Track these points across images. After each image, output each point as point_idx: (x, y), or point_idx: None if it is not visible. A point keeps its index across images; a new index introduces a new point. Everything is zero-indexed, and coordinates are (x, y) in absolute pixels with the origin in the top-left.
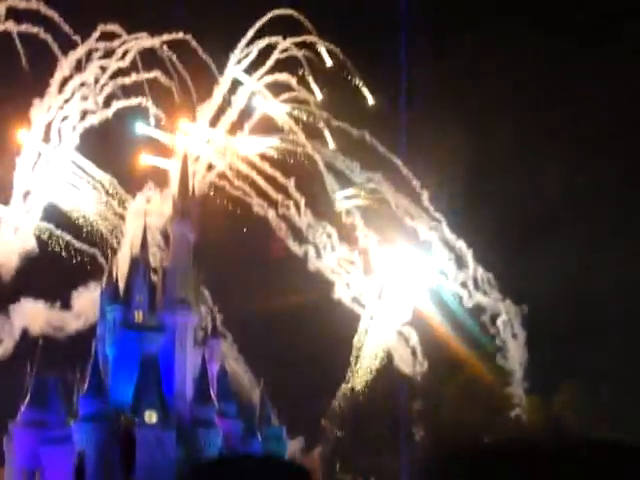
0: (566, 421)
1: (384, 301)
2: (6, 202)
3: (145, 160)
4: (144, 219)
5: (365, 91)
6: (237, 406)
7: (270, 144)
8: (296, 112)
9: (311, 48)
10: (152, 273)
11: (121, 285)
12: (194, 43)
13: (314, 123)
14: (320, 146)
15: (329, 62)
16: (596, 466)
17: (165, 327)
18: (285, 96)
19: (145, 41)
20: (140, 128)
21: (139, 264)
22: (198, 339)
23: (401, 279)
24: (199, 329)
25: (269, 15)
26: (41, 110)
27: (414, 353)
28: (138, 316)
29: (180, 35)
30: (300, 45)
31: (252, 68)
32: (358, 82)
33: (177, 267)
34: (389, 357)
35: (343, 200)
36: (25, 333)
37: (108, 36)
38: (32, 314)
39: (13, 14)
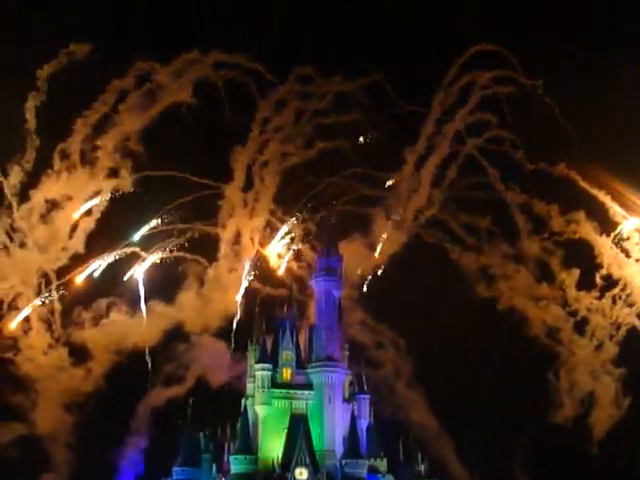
0: None
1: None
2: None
3: None
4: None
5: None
6: (388, 461)
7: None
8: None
9: (515, 85)
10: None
11: (269, 343)
12: (388, 86)
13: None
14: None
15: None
16: None
17: (313, 384)
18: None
19: (341, 85)
20: None
21: (286, 322)
22: (346, 395)
23: None
24: (347, 385)
25: (471, 50)
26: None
27: None
28: (286, 374)
29: (374, 77)
30: (503, 82)
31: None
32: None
33: (324, 324)
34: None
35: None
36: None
37: (302, 79)
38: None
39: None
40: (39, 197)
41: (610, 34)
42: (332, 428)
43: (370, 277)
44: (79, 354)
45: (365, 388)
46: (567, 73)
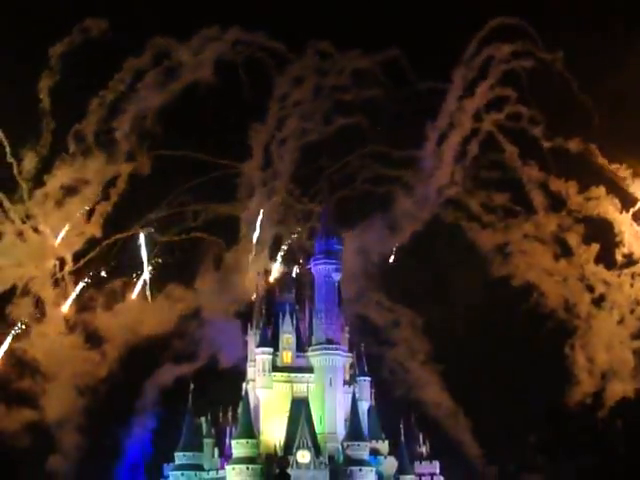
0: None
1: None
2: None
3: None
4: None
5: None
6: (389, 443)
7: None
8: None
9: (535, 59)
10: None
11: (269, 327)
12: (406, 62)
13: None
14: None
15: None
16: None
17: (314, 367)
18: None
19: (358, 60)
20: None
21: (286, 306)
22: (347, 378)
23: None
24: (348, 368)
25: (491, 24)
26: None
27: None
28: (287, 357)
29: (392, 53)
30: (523, 56)
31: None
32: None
33: (323, 307)
34: None
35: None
36: None
37: (320, 54)
38: None
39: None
40: (54, 182)
41: (630, 6)
42: (333, 411)
43: (392, 256)
44: (93, 338)
45: (366, 370)
46: (587, 46)
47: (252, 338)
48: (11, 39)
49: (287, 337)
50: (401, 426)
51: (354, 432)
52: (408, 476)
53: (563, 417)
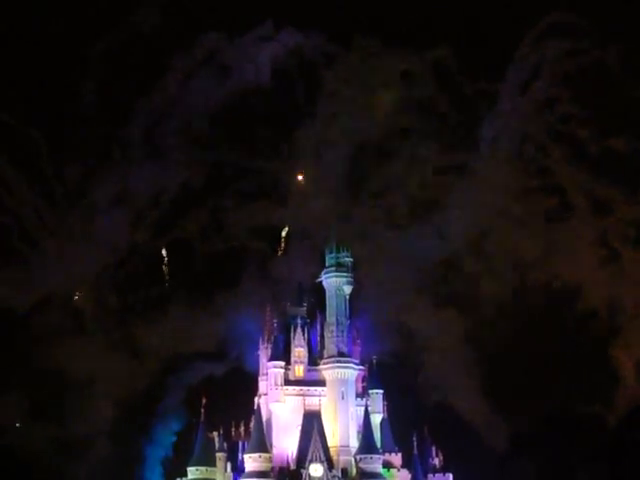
0: None
1: None
2: None
3: None
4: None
5: None
6: (403, 456)
7: None
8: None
9: (590, 58)
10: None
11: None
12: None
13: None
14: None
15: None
16: None
17: (326, 381)
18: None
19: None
20: None
21: (297, 319)
22: (359, 391)
23: None
24: (360, 381)
25: (546, 21)
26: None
27: None
28: (299, 371)
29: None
30: (577, 54)
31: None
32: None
33: (334, 320)
34: None
35: None
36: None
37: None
38: None
39: None
40: (100, 190)
41: None
42: (346, 424)
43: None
44: (134, 350)
45: (378, 382)
46: None
47: (264, 352)
48: (50, 34)
49: (299, 350)
50: (414, 438)
51: (367, 445)
52: None
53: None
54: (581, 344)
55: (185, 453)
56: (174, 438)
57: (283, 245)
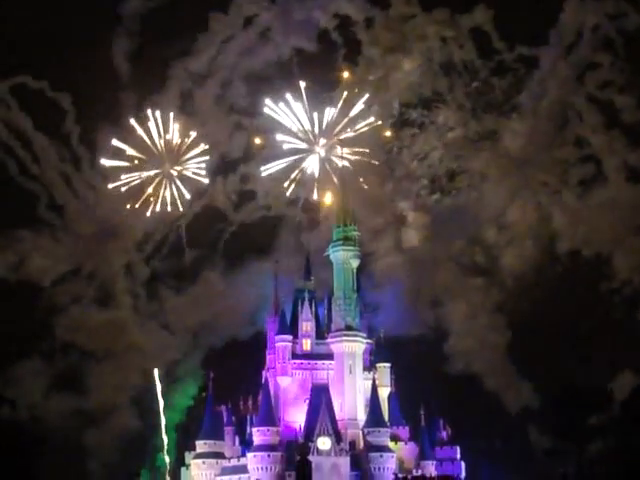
0: None
1: None
2: None
3: None
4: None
5: None
6: (410, 429)
7: None
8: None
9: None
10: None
11: (288, 314)
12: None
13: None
14: None
15: None
16: None
17: (334, 354)
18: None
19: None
20: None
21: (304, 293)
22: (367, 364)
23: None
24: (367, 354)
25: None
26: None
27: None
28: (306, 344)
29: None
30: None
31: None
32: None
33: (342, 294)
34: None
35: None
36: None
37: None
38: None
39: None
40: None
41: None
42: (353, 397)
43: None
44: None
45: (386, 356)
46: None
47: (271, 326)
48: None
49: (306, 324)
50: (421, 412)
51: (374, 418)
52: (429, 461)
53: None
54: (609, 312)
55: (197, 420)
56: (190, 402)
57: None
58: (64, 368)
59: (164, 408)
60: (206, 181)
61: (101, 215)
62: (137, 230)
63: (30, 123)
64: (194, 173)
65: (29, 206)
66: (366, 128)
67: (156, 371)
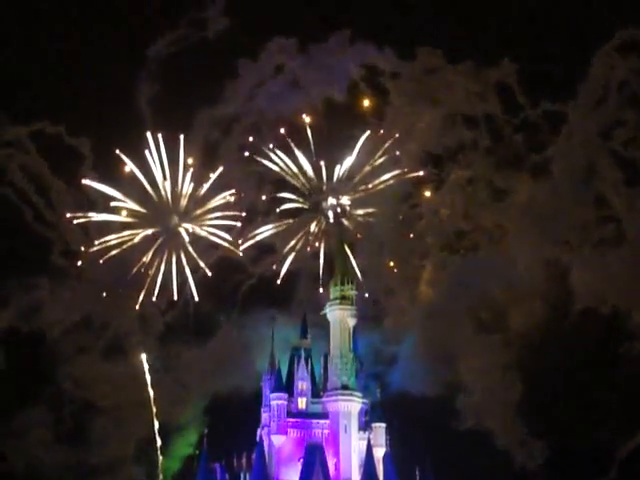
0: None
1: None
2: None
3: None
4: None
5: None
6: None
7: None
8: None
9: None
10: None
11: (284, 372)
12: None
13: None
14: None
15: None
16: None
17: (329, 414)
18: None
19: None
20: None
21: (301, 351)
22: (362, 424)
23: None
24: (362, 414)
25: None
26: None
27: None
28: (302, 403)
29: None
30: None
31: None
32: None
33: (338, 353)
34: None
35: None
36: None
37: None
38: None
39: None
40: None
41: None
42: (348, 457)
43: None
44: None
45: (381, 416)
46: None
47: (267, 383)
48: (107, 35)
49: (302, 383)
50: (417, 472)
51: (369, 479)
52: None
53: None
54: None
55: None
56: (190, 450)
57: None
58: (67, 420)
59: (163, 458)
60: (227, 236)
61: (116, 264)
62: (152, 280)
63: (46, 167)
64: (211, 226)
65: (44, 252)
66: (391, 181)
67: (156, 423)
